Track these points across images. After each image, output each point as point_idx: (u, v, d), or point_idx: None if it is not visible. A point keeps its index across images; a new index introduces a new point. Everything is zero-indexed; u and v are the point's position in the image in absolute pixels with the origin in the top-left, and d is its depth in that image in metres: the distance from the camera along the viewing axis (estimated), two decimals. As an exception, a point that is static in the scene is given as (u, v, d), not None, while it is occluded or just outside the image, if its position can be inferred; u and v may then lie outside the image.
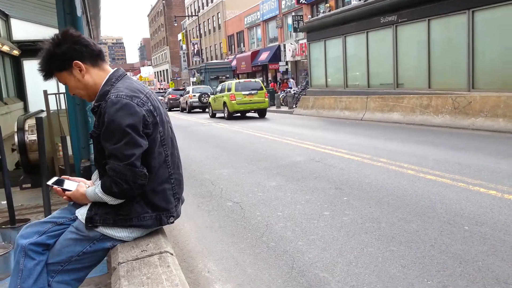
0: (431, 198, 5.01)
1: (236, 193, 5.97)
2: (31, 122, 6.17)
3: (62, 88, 13.88)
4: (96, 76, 2.01)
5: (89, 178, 6.42)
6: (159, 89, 79.87)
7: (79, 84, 2.01)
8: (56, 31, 8.23)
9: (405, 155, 7.74)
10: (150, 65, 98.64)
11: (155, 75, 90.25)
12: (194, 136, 13.74)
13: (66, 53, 1.92)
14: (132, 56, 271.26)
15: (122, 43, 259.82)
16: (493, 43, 11.46)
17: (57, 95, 7.18)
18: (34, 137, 6.06)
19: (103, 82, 2.01)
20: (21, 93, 14.82)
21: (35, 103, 14.91)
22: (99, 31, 15.88)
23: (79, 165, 5.89)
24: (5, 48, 12.18)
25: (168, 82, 70.93)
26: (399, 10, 14.20)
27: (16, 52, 13.44)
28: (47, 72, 1.98)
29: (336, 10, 19.70)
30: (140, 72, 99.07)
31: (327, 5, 26.60)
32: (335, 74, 18.56)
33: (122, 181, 1.87)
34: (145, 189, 1.98)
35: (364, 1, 16.22)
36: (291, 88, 25.68)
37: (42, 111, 8.20)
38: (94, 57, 2.01)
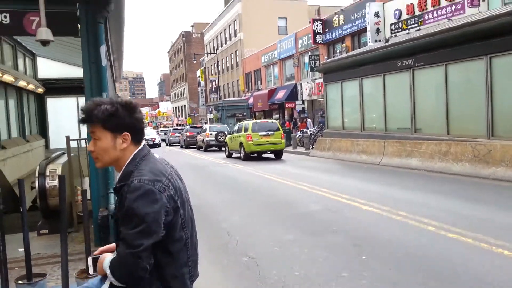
0: (452, 261, 4.88)
1: (252, 246, 5.91)
2: (52, 167, 6.29)
3: (84, 133, 14.14)
4: (127, 152, 2.02)
5: (106, 228, 6.39)
6: (176, 124, 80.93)
7: (112, 152, 1.98)
8: (80, 70, 8.36)
9: (425, 208, 7.60)
10: (168, 101, 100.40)
11: (173, 111, 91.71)
12: (210, 178, 13.77)
13: (126, 121, 1.94)
14: (152, 91, 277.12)
15: (143, 78, 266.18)
16: (512, 90, 11.40)
17: (78, 141, 7.31)
18: (54, 182, 6.15)
19: (128, 160, 2.01)
20: (43, 130, 15.19)
21: (56, 140, 15.25)
22: (121, 70, 16.28)
23: (97, 213, 5.94)
24: (31, 87, 12.61)
25: (185, 118, 71.88)
26: (415, 54, 14.31)
27: (40, 90, 13.88)
28: (94, 120, 1.93)
29: (353, 52, 19.96)
30: (159, 107, 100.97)
31: (344, 45, 27.00)
32: (352, 116, 18.59)
33: (123, 267, 1.87)
34: (164, 273, 1.97)
35: (384, 42, 16.34)
36: (307, 128, 25.75)
37: (63, 153, 8.37)
38: (140, 136, 2.03)
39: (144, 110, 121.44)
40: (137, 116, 1.98)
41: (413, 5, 20.35)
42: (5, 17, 4.14)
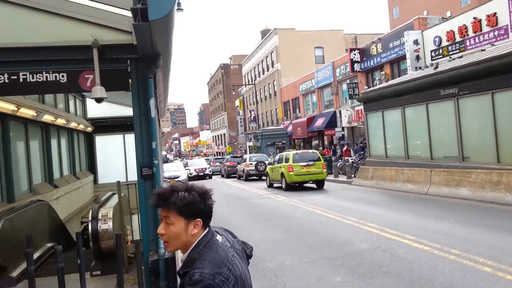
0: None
1: (301, 290, 5.75)
2: (104, 211, 6.44)
3: (131, 176, 14.46)
4: (195, 236, 2.01)
5: (156, 272, 6.40)
6: (216, 153, 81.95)
7: (183, 237, 1.95)
8: (128, 109, 8.70)
9: (479, 245, 7.19)
10: (208, 129, 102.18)
11: (213, 139, 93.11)
12: (253, 211, 13.69)
13: (200, 208, 1.93)
14: (192, 120, 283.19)
15: (183, 108, 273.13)
16: None
17: (128, 185, 7.48)
18: (106, 226, 6.29)
19: (193, 246, 2.00)
20: (91, 166, 15.70)
21: (104, 175, 15.72)
22: (165, 108, 16.75)
23: (147, 257, 5.96)
24: (81, 127, 13.15)
25: (225, 146, 72.71)
26: (459, 83, 13.89)
27: (89, 129, 14.45)
28: (170, 207, 1.92)
29: (393, 82, 19.64)
30: (199, 136, 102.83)
31: (383, 73, 26.69)
32: (395, 144, 18.15)
33: None
34: None
35: (434, 68, 15.80)
36: (350, 156, 25.32)
37: (113, 193, 8.59)
38: (209, 221, 2.02)
39: (185, 139, 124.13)
40: (209, 203, 1.98)
41: (454, 31, 19.94)
42: (63, 76, 4.34)
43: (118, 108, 13.42)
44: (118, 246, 3.60)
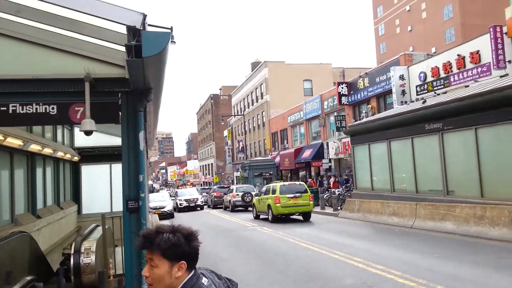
0: None
1: (286, 327, 5.68)
2: (87, 244, 6.36)
3: (114, 202, 14.28)
4: (180, 279, 1.98)
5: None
6: (203, 182, 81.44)
7: (167, 280, 1.91)
8: (115, 139, 8.67)
9: (464, 282, 7.23)
10: (196, 159, 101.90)
11: (200, 169, 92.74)
12: (239, 243, 13.58)
13: (185, 251, 1.91)
14: (180, 149, 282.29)
15: (172, 137, 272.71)
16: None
17: (113, 218, 7.43)
18: (89, 260, 6.20)
19: None
20: (76, 196, 15.49)
21: (88, 205, 15.50)
22: (154, 139, 16.77)
23: (129, 292, 5.87)
24: (68, 156, 13.05)
25: (212, 176, 72.42)
26: (444, 118, 14.24)
27: (76, 158, 14.34)
28: (154, 248, 1.91)
29: (379, 116, 20.03)
30: (186, 165, 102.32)
31: (369, 106, 27.21)
32: (381, 177, 18.34)
33: None
34: None
35: (422, 102, 16.19)
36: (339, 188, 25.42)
37: (97, 226, 8.49)
38: (194, 263, 1.98)
39: (172, 168, 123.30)
40: (194, 244, 1.96)
41: (438, 68, 20.58)
42: (53, 108, 4.39)
43: (106, 137, 13.41)
44: (101, 284, 3.57)
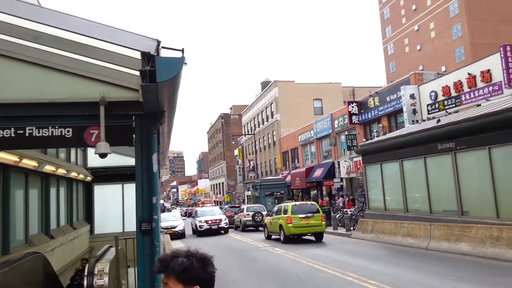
0: None
1: None
2: (100, 266, 6.32)
3: (127, 222, 14.28)
4: None
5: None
6: (214, 201, 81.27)
7: None
8: (128, 159, 8.69)
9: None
10: (207, 178, 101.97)
11: (211, 188, 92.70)
12: (250, 265, 13.41)
13: (199, 275, 1.93)
14: (191, 169, 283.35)
15: (182, 156, 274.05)
16: None
17: (126, 239, 7.40)
18: (102, 282, 6.15)
19: None
20: (89, 216, 15.53)
21: (101, 225, 15.51)
22: (166, 158, 16.83)
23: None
24: (81, 176, 13.13)
25: (223, 195, 72.29)
26: (456, 138, 14.08)
27: (89, 179, 14.43)
28: (169, 271, 1.93)
29: (391, 135, 19.90)
30: (197, 185, 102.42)
31: (380, 125, 27.08)
32: (394, 197, 18.09)
33: None
34: None
35: (436, 122, 15.80)
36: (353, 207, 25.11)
37: (110, 247, 8.45)
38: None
39: (183, 187, 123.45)
40: (209, 270, 1.98)
41: (449, 87, 20.47)
42: (68, 131, 4.43)
43: (118, 158, 13.50)
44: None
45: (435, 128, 15.26)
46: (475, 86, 19.02)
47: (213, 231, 25.69)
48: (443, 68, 42.93)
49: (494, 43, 22.20)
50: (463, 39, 45.49)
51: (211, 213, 27.93)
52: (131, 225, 14.38)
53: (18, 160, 6.87)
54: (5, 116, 4.46)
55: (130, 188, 15.29)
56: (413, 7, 54.31)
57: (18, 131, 4.44)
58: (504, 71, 17.25)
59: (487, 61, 18.85)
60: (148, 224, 4.94)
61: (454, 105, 19.95)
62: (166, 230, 24.56)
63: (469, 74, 19.46)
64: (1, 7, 3.83)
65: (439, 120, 16.04)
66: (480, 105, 16.88)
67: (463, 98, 19.61)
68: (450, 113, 17.86)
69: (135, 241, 5.63)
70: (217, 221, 25.99)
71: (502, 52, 17.35)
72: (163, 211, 37.09)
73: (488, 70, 18.44)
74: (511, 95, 16.00)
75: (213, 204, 71.79)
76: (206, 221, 25.97)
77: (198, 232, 26.04)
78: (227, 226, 26.48)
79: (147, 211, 4.89)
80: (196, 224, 26.75)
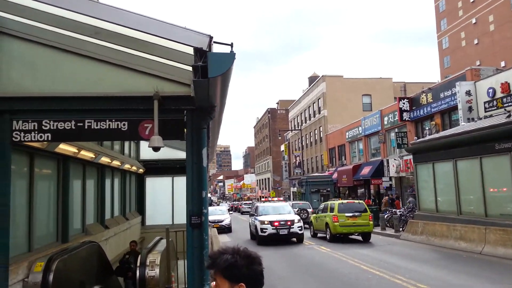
0: None
1: None
2: (152, 257, 6.51)
3: (177, 219, 14.58)
4: None
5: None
6: (260, 197, 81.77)
7: None
8: (178, 152, 8.90)
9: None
10: (253, 173, 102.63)
11: (257, 183, 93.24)
12: (297, 263, 13.33)
13: (243, 273, 1.95)
14: (237, 163, 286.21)
15: (229, 151, 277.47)
16: None
17: (176, 232, 7.56)
18: (153, 273, 6.33)
19: None
20: (140, 207, 16.04)
21: (152, 217, 15.98)
22: (214, 153, 17.06)
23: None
24: (134, 168, 13.57)
25: (269, 191, 72.50)
26: (516, 138, 13.28)
27: (141, 171, 14.88)
28: (216, 268, 1.99)
29: (444, 133, 19.08)
30: (243, 179, 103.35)
31: (433, 123, 26.03)
32: (446, 198, 17.35)
33: None
34: None
35: (507, 117, 14.85)
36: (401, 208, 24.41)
37: (161, 239, 8.69)
38: (256, 286, 2.00)
39: (230, 182, 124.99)
40: (255, 268, 1.98)
41: (508, 83, 19.32)
42: (124, 125, 4.56)
43: (169, 151, 13.84)
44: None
45: (492, 127, 14.46)
46: (538, 83, 17.84)
47: (282, 237, 18.18)
48: (503, 64, 40.60)
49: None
50: (526, 33, 42.77)
51: (274, 211, 19.99)
52: (180, 218, 14.71)
53: (77, 151, 7.18)
54: (66, 109, 4.66)
55: (180, 181, 15.65)
56: None
57: (78, 124, 4.63)
58: None
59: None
60: (197, 218, 5.01)
61: (514, 102, 18.82)
62: (213, 224, 24.97)
63: (532, 70, 18.26)
64: (63, 3, 3.99)
65: (509, 115, 14.96)
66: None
67: (524, 96, 18.45)
68: (509, 111, 16.85)
69: (184, 234, 5.74)
70: (287, 223, 18.26)
71: None
72: (210, 205, 37.69)
73: (554, 66, 17.22)
74: None
75: (258, 200, 72.18)
76: (272, 223, 18.28)
77: (259, 238, 18.54)
78: (302, 231, 18.48)
79: (197, 205, 4.96)
80: (256, 227, 18.96)
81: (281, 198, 43.10)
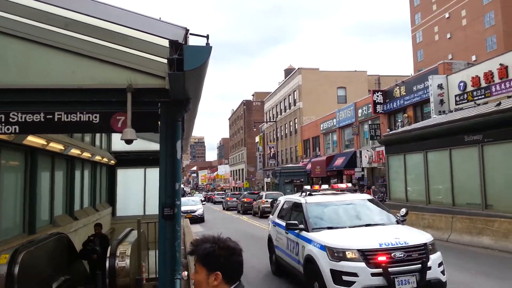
0: None
1: None
2: (122, 248, 6.57)
3: (149, 210, 14.54)
4: None
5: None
6: (233, 187, 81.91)
7: (204, 286, 2.07)
8: (151, 144, 8.89)
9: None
10: (227, 164, 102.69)
11: (231, 174, 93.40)
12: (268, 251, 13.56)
13: (220, 262, 2.04)
14: (211, 154, 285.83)
15: (203, 142, 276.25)
16: None
17: (148, 223, 7.62)
18: (123, 263, 6.40)
19: None
20: (111, 198, 15.96)
21: (123, 208, 15.92)
22: (188, 145, 17.06)
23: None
24: (105, 160, 13.48)
25: (243, 181, 72.77)
26: (484, 130, 13.85)
27: (112, 162, 14.78)
28: (195, 255, 2.10)
29: (416, 126, 19.65)
30: (217, 170, 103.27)
31: (406, 115, 26.72)
32: (416, 189, 17.96)
33: None
34: None
35: (497, 105, 15.26)
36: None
37: (132, 230, 8.73)
38: (234, 276, 2.09)
39: (203, 173, 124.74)
40: (233, 259, 2.08)
41: (479, 77, 20.03)
42: (95, 117, 4.59)
43: (143, 142, 13.78)
44: None
45: (462, 120, 15.03)
46: (506, 77, 18.55)
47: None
48: (474, 58, 41.84)
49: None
50: (496, 28, 44.14)
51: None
52: (152, 209, 14.65)
53: (45, 143, 7.13)
54: (35, 101, 4.64)
55: (153, 173, 15.62)
56: (445, -7, 52.93)
57: (47, 116, 4.62)
58: (538, 62, 16.78)
59: (520, 51, 18.33)
60: (170, 210, 5.10)
61: (483, 96, 19.54)
62: (185, 215, 25.00)
63: (500, 64, 18.98)
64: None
65: (499, 103, 15.14)
66: (511, 96, 16.49)
67: (493, 89, 19.17)
68: (478, 104, 17.52)
69: (156, 225, 5.81)
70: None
71: (536, 42, 16.84)
72: (183, 195, 37.60)
73: (521, 61, 17.96)
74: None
75: (231, 190, 72.29)
76: (370, 255, 15.43)
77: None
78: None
79: (170, 197, 5.04)
80: (317, 262, 17.48)
81: (349, 184, 29.51)
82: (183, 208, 25.62)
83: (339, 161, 35.25)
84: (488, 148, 13.86)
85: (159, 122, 4.81)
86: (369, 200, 9.00)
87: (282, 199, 11.11)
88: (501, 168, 13.56)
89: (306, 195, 9.28)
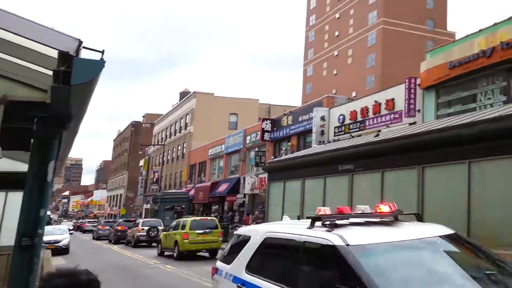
0: None
1: None
2: None
3: (5, 241, 13.41)
4: None
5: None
6: (108, 214, 77.84)
7: None
8: (19, 164, 8.07)
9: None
10: (105, 189, 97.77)
11: (107, 199, 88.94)
12: (137, 283, 13.16)
13: None
14: (88, 178, 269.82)
15: (81, 164, 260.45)
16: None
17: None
18: None
19: None
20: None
21: None
22: (63, 167, 15.96)
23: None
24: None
25: (120, 208, 69.73)
26: (355, 160, 15.21)
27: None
28: None
29: (298, 154, 20.86)
30: (92, 195, 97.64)
31: (289, 144, 28.29)
32: (293, 214, 18.78)
33: None
34: None
35: (376, 135, 17.05)
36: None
37: None
38: None
39: (76, 198, 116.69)
40: None
41: (356, 111, 22.11)
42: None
43: (6, 162, 12.58)
44: None
45: (337, 150, 16.33)
46: (379, 113, 20.75)
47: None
48: (354, 94, 46.07)
49: (401, 76, 24.44)
50: (375, 68, 49.44)
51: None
52: (9, 240, 13.32)
53: None
54: None
55: (15, 197, 14.18)
56: (336, 33, 58.00)
57: None
58: (406, 101, 19.07)
59: (393, 91, 20.71)
60: (29, 239, 4.61)
61: (358, 129, 21.55)
62: (47, 245, 22.79)
63: (375, 101, 21.19)
64: None
65: (378, 134, 16.42)
66: (380, 131, 18.44)
67: (367, 123, 21.27)
68: (353, 136, 19.25)
69: (10, 257, 5.17)
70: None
71: (407, 83, 19.19)
72: (48, 223, 34.44)
73: (393, 99, 20.26)
74: (408, 123, 17.72)
75: (105, 217, 68.83)
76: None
77: None
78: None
79: (31, 225, 4.53)
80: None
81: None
82: (45, 238, 22.74)
83: (223, 187, 35.76)
84: (358, 176, 15.20)
85: (31, 140, 4.43)
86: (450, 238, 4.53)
87: (255, 233, 5.53)
88: (366, 196, 14.92)
89: (332, 228, 4.33)
